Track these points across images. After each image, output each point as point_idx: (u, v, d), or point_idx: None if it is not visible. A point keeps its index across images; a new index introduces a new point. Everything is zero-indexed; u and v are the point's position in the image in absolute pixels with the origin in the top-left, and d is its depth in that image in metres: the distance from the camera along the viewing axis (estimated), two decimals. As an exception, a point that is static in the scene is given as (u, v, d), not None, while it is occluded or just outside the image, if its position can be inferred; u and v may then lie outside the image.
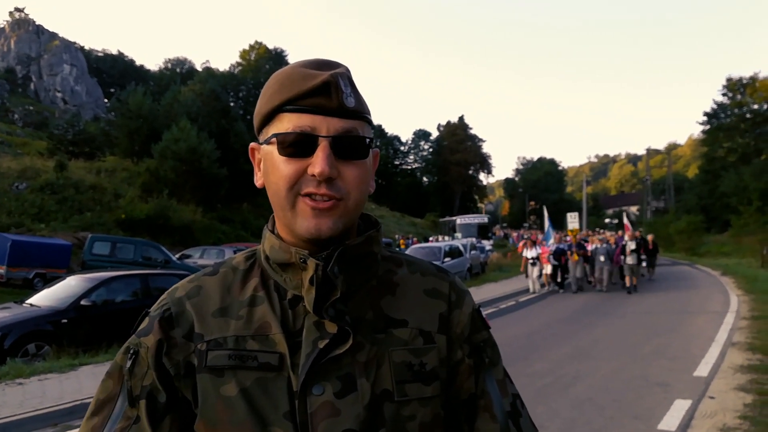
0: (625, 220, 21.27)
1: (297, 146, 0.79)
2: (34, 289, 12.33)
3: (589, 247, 16.47)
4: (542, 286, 16.52)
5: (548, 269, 16.49)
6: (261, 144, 0.86)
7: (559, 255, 16.31)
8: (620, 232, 24.76)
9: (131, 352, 0.84)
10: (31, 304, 8.50)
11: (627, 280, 15.57)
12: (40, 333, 7.79)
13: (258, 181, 0.90)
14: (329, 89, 0.79)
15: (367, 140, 0.84)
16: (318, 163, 0.78)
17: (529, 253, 16.45)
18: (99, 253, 16.83)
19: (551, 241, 17.35)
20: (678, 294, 14.94)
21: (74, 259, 17.70)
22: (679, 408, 5.41)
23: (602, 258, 15.86)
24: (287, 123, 0.80)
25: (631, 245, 15.54)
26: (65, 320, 7.96)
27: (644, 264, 16.81)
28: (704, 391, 5.98)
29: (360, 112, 0.83)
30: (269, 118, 0.83)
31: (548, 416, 5.21)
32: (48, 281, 13.25)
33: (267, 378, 0.80)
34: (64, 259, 16.52)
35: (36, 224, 20.44)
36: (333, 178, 0.79)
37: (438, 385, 0.85)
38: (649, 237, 19.23)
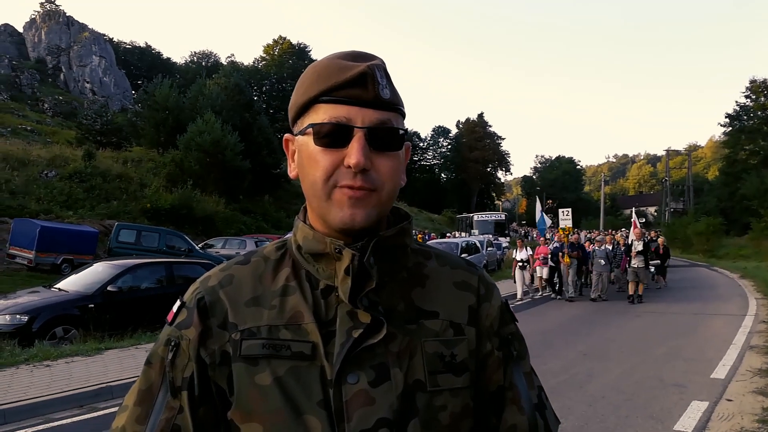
0: (634, 217, 19.21)
1: (332, 137, 0.80)
2: (61, 275, 12.64)
3: (589, 249, 14.87)
4: (536, 290, 15.28)
5: (544, 272, 14.94)
6: (295, 135, 0.87)
7: (557, 256, 14.58)
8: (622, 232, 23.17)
9: (172, 344, 0.85)
10: (59, 289, 8.75)
11: (631, 287, 13.49)
12: (68, 317, 8.01)
13: (292, 172, 0.90)
14: (366, 80, 0.79)
15: (401, 132, 0.84)
16: (353, 154, 0.78)
17: (519, 255, 14.55)
18: (125, 240, 17.18)
19: (547, 235, 16.14)
20: (695, 296, 14.67)
21: (101, 246, 18.07)
22: (696, 409, 5.38)
23: (602, 262, 13.89)
24: (323, 114, 0.81)
25: (638, 246, 13.64)
26: (92, 305, 8.18)
27: (652, 269, 14.84)
28: (721, 393, 5.93)
29: (395, 104, 0.83)
30: (305, 108, 0.84)
31: (562, 413, 5.19)
32: (75, 267, 13.56)
33: (300, 367, 0.80)
34: (91, 245, 16.85)
35: (64, 211, 20.85)
36: (367, 170, 0.79)
37: (468, 376, 0.86)
38: (660, 240, 17.74)
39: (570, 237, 14.95)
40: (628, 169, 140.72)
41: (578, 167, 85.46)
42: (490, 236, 27.60)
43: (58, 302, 8.15)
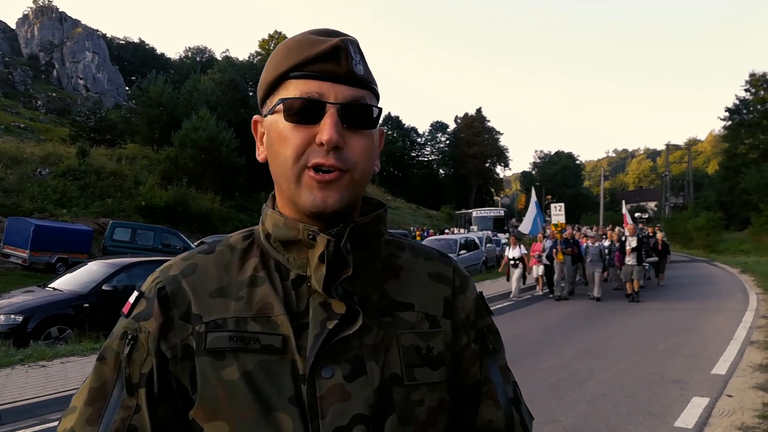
0: (624, 211, 17.45)
1: (303, 113, 0.76)
2: (56, 274, 12.55)
3: (584, 244, 14.11)
4: (533, 289, 14.73)
5: (540, 270, 14.23)
6: (264, 116, 0.84)
7: (551, 254, 13.73)
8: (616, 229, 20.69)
9: (129, 337, 0.79)
10: (53, 288, 8.69)
11: (628, 285, 13.04)
12: (63, 317, 7.95)
13: (260, 155, 0.86)
14: (338, 54, 0.76)
15: (376, 110, 0.81)
16: (326, 130, 0.75)
17: (511, 253, 13.91)
18: (119, 239, 17.10)
19: (539, 233, 15.05)
20: (695, 291, 14.61)
21: (95, 244, 17.96)
22: (696, 405, 5.36)
23: (590, 259, 13.36)
24: (294, 90, 0.77)
25: (632, 242, 13.00)
26: (87, 305, 8.10)
27: (646, 266, 13.97)
28: (722, 389, 5.92)
29: (368, 82, 0.80)
30: (275, 85, 0.80)
31: (562, 411, 5.14)
32: (70, 266, 13.49)
33: (270, 361, 0.76)
34: (85, 244, 16.77)
35: (58, 210, 20.74)
36: (340, 148, 0.76)
37: (444, 370, 0.83)
38: (659, 235, 16.92)
39: (563, 233, 14.20)
40: (628, 163, 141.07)
41: (578, 162, 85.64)
42: (489, 232, 27.53)
43: (53, 302, 8.08)
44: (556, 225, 14.68)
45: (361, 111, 0.78)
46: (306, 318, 0.78)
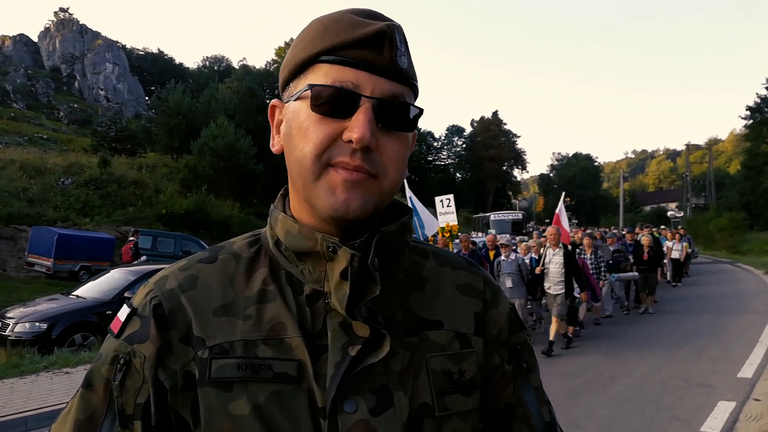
0: (560, 207, 10.71)
1: (333, 104, 0.66)
2: (79, 281, 12.74)
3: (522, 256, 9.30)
4: None
5: None
6: (285, 102, 0.73)
7: None
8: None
9: (121, 361, 0.69)
10: (77, 296, 8.81)
11: (552, 326, 7.95)
12: (86, 324, 8.05)
13: (275, 146, 0.76)
14: (382, 42, 0.66)
15: (415, 111, 0.71)
16: (357, 126, 0.65)
17: None
18: (141, 246, 17.27)
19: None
20: (719, 293, 14.34)
21: (117, 252, 18.23)
22: (723, 410, 5.28)
23: (508, 283, 8.33)
24: (324, 75, 0.67)
25: (554, 257, 8.05)
26: (110, 312, 8.16)
27: (577, 293, 8.40)
28: (749, 392, 5.81)
29: (410, 77, 0.70)
30: (303, 67, 0.70)
31: (585, 416, 5.09)
32: (93, 274, 13.68)
33: (284, 391, 0.66)
34: (107, 252, 17.02)
35: (81, 218, 21.05)
36: (371, 149, 0.66)
37: (478, 395, 0.75)
38: (645, 240, 11.60)
39: (472, 240, 9.45)
40: (647, 164, 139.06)
41: (596, 164, 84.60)
42: (508, 236, 27.33)
43: (77, 309, 8.19)
44: (443, 228, 10.04)
45: (399, 109, 0.69)
46: (323, 340, 0.69)
